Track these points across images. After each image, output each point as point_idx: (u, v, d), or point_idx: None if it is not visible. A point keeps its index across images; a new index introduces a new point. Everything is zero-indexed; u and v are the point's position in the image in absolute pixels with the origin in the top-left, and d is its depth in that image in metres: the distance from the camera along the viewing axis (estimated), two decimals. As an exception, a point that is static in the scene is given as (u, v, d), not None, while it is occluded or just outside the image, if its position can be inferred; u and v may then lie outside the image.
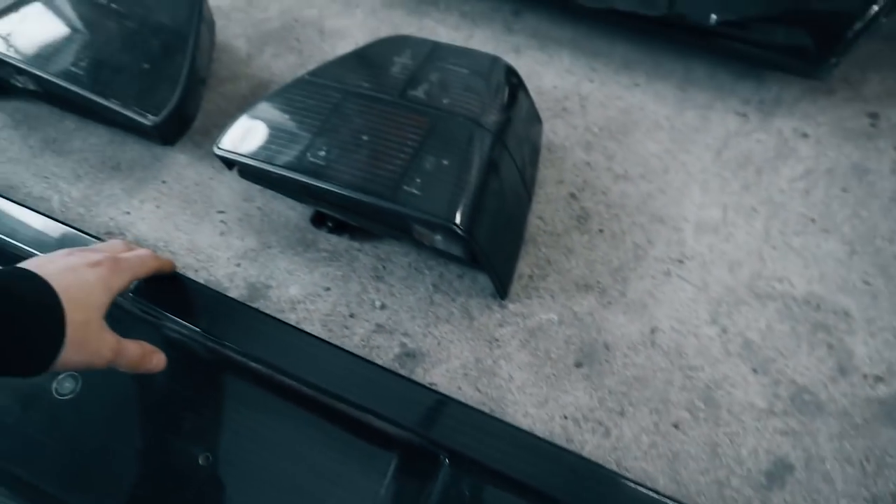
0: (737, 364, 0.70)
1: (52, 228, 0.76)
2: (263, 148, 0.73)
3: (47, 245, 0.74)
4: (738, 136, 0.89)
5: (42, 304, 0.52)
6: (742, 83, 0.96)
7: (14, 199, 0.79)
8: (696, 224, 0.81)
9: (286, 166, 0.71)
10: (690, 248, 0.78)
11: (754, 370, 0.69)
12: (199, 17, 0.91)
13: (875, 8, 0.83)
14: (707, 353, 0.70)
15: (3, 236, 0.74)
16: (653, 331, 0.72)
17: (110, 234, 0.81)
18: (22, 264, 0.57)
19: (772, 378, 0.69)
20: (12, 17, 0.87)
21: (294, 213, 0.83)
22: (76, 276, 0.56)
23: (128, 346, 0.60)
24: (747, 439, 0.65)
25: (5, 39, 0.85)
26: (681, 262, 0.77)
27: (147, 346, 0.62)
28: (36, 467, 0.64)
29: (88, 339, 0.55)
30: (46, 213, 0.77)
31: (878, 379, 0.68)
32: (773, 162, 0.86)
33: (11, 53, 0.84)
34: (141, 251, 0.66)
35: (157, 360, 0.63)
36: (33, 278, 0.53)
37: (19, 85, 0.90)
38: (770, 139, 0.88)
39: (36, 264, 0.56)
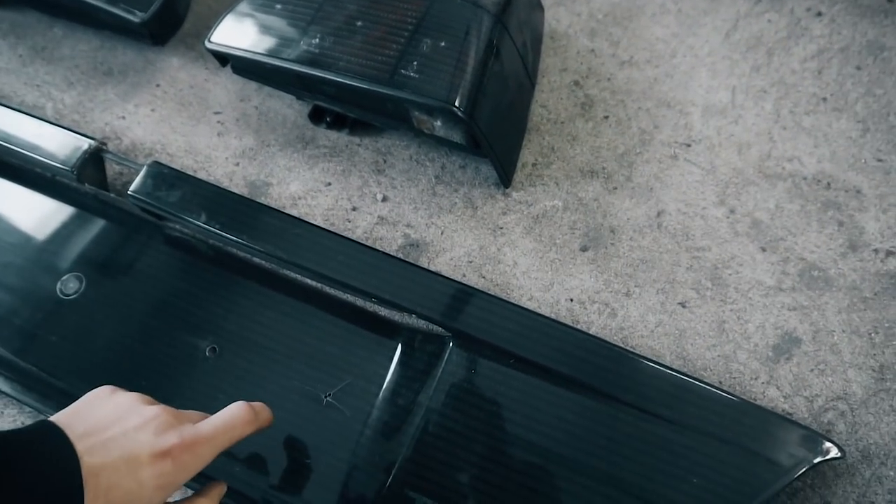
0: (745, 244, 0.69)
1: (51, 133, 0.74)
2: (256, 40, 0.71)
3: (46, 149, 0.72)
4: (748, 17, 0.86)
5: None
6: (753, -36, 0.92)
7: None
8: (704, 107, 0.78)
9: (280, 57, 0.69)
10: (698, 132, 0.76)
11: (763, 249, 0.68)
12: None
13: None
14: (714, 234, 0.69)
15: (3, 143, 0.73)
16: (659, 214, 0.71)
17: (107, 139, 0.80)
18: (88, 414, 0.45)
19: (780, 256, 0.68)
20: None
21: (292, 110, 0.81)
22: (128, 474, 0.43)
23: None
24: (754, 315, 0.65)
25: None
26: (688, 145, 0.76)
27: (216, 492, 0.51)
28: (46, 364, 0.64)
29: None
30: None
31: (890, 253, 0.67)
32: (784, 42, 0.83)
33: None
34: (229, 415, 0.49)
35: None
36: (66, 479, 0.41)
37: (3, -10, 0.88)
38: (782, 19, 0.85)
39: (93, 434, 0.43)
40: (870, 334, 0.63)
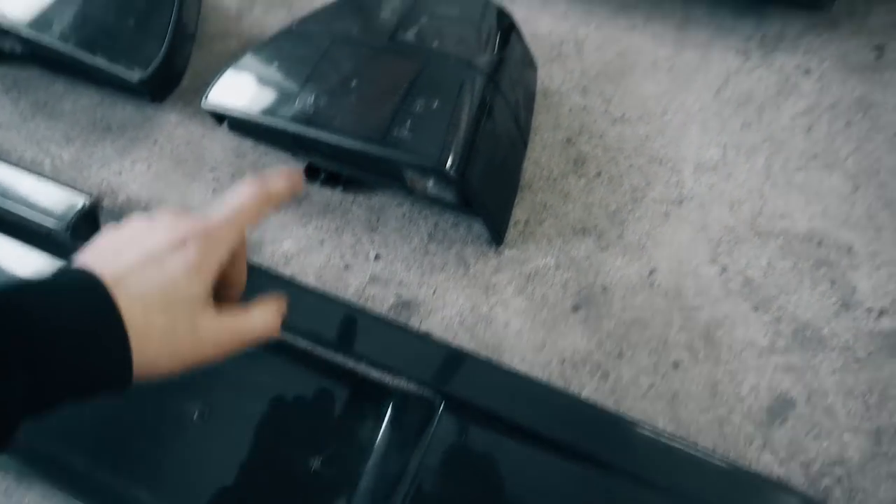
0: (737, 302, 0.69)
1: (47, 189, 0.75)
2: (252, 99, 0.72)
3: (41, 206, 0.73)
4: (738, 74, 0.87)
5: (99, 335, 0.40)
6: (743, 20, 0.93)
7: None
8: (696, 164, 0.79)
9: (275, 116, 0.70)
10: (689, 189, 0.77)
11: (755, 308, 0.68)
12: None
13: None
14: (707, 293, 0.69)
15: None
16: (651, 272, 0.71)
17: (103, 195, 0.80)
18: (94, 244, 0.45)
19: (773, 315, 0.67)
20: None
21: (286, 167, 0.82)
22: (156, 271, 0.43)
23: (248, 325, 0.48)
24: (748, 377, 0.64)
25: (-13, 1, 0.84)
26: (680, 202, 0.76)
27: (270, 308, 0.51)
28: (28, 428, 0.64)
29: (179, 348, 0.44)
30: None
31: (882, 312, 0.67)
32: (774, 99, 0.84)
33: (-6, 15, 0.83)
34: (236, 195, 0.49)
35: (286, 310, 0.53)
36: (93, 292, 0.40)
37: (5, 49, 0.89)
38: (772, 76, 0.86)
39: (106, 254, 0.44)
40: (864, 396, 0.62)
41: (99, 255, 0.44)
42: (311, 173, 0.79)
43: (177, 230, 0.45)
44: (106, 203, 0.79)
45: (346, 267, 0.73)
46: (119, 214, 0.74)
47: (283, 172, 0.52)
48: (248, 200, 0.49)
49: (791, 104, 0.83)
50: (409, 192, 0.72)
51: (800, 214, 0.74)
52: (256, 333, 0.49)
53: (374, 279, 0.72)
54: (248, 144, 0.84)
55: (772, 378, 0.64)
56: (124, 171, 0.83)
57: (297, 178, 0.52)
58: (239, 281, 0.52)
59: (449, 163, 0.63)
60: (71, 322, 0.39)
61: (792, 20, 0.92)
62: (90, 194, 0.73)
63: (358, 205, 0.78)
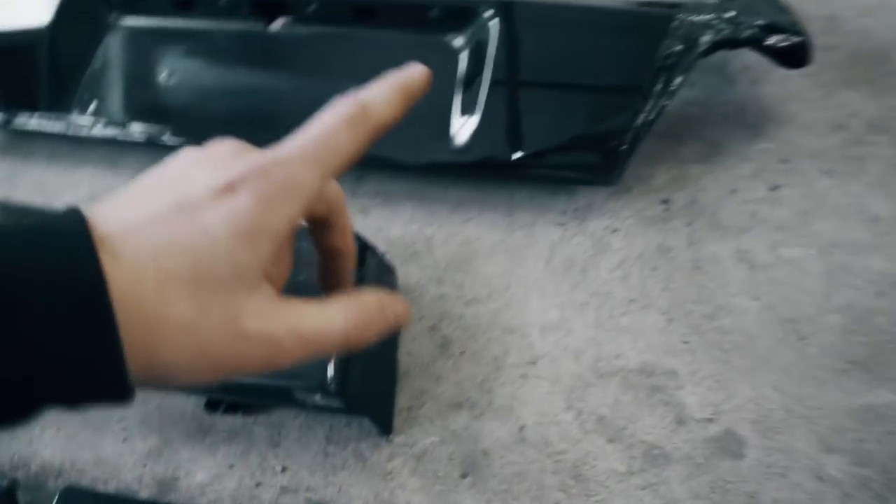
0: (595, 439, 0.81)
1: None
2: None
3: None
4: (561, 243, 1.04)
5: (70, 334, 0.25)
6: (557, 198, 1.12)
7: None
8: (541, 327, 0.93)
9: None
10: (539, 349, 0.91)
11: (610, 440, 0.80)
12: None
13: (640, 119, 1.03)
14: (568, 437, 0.81)
15: None
16: (521, 429, 0.83)
17: (15, 469, 0.85)
18: (120, 191, 0.30)
19: (625, 444, 0.80)
20: None
21: (189, 403, 0.90)
22: (184, 227, 0.29)
23: (318, 321, 0.33)
24: (615, 502, 0.75)
25: None
26: (534, 363, 0.89)
27: (362, 301, 0.34)
28: None
29: (212, 345, 0.29)
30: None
31: (709, 420, 0.81)
32: (593, 259, 1.01)
33: None
34: (329, 113, 0.32)
35: (399, 311, 0.35)
36: (71, 249, 0.26)
37: None
38: (587, 240, 1.04)
39: (122, 200, 0.30)
40: (709, 496, 0.74)
41: (112, 202, 0.30)
42: (212, 406, 0.88)
43: (226, 167, 0.30)
44: (20, 474, 0.84)
45: (258, 484, 0.81)
46: (34, 486, 0.79)
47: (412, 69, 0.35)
48: (351, 114, 0.32)
49: (607, 260, 1.01)
50: (302, 406, 0.82)
51: (631, 352, 0.89)
52: (327, 335, 0.33)
53: (284, 490, 0.80)
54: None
55: (635, 498, 0.75)
56: (34, 439, 0.89)
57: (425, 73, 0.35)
58: (343, 248, 0.37)
59: (328, 380, 0.74)
60: (27, 294, 0.25)
61: (596, 191, 1.12)
62: (4, 475, 0.79)
63: (259, 424, 0.87)
